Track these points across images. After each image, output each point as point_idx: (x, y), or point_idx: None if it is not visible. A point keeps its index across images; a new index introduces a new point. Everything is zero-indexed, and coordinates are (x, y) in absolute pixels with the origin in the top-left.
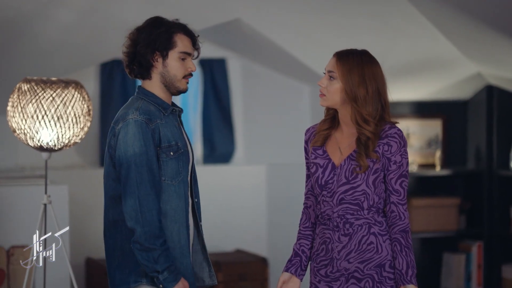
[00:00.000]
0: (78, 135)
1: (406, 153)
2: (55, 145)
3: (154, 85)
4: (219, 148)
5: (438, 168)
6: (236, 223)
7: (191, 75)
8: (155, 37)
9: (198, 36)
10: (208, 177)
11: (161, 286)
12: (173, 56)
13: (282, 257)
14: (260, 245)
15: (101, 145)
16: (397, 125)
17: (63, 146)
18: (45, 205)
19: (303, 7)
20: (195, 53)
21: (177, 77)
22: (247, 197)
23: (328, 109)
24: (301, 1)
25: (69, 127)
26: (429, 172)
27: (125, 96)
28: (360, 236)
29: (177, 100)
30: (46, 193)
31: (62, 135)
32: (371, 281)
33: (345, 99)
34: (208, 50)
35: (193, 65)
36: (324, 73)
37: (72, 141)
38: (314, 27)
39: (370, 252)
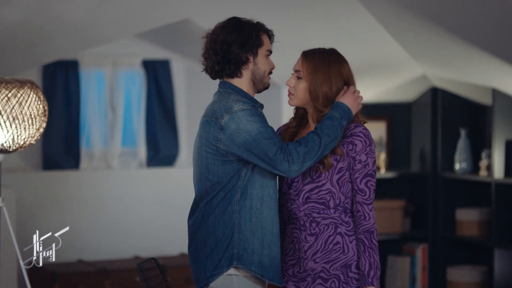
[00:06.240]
0: (34, 136)
1: (372, 152)
2: (10, 147)
3: (243, 82)
4: (163, 151)
5: (382, 171)
6: (181, 226)
7: (271, 72)
8: (247, 37)
9: (274, 36)
10: (152, 180)
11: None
12: (261, 53)
13: None
14: None
15: (44, 147)
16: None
17: (18, 147)
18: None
19: (253, 9)
20: None
21: (265, 73)
22: (191, 200)
23: (298, 108)
24: (252, 3)
25: (25, 128)
26: None
27: (68, 98)
28: (326, 236)
29: (120, 100)
30: (0, 195)
31: (18, 136)
32: (337, 281)
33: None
34: (151, 51)
35: (272, 62)
36: (292, 73)
37: (27, 143)
38: None
39: (336, 252)
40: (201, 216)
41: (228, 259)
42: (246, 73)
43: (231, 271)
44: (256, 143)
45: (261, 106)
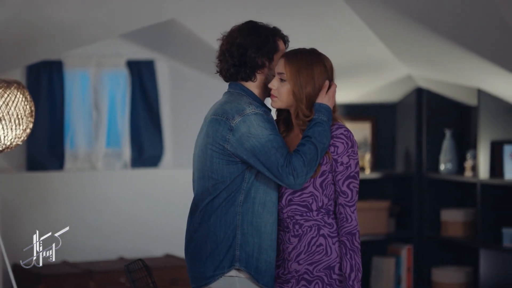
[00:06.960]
0: (21, 137)
1: (355, 154)
2: None
3: (255, 86)
4: (147, 151)
5: (367, 171)
6: (165, 227)
7: None
8: (264, 41)
9: (289, 42)
10: (137, 181)
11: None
12: (277, 59)
13: None
14: None
15: (28, 148)
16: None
17: (5, 148)
18: None
19: (240, 9)
20: None
21: None
22: (176, 201)
23: (280, 111)
24: (238, 3)
25: (11, 129)
26: None
27: (52, 98)
28: (309, 238)
29: (105, 101)
30: None
31: (4, 137)
32: (320, 283)
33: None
34: (136, 52)
35: None
36: (274, 75)
37: (14, 143)
38: None
39: (319, 254)
40: (201, 215)
41: (229, 260)
42: (260, 78)
43: (233, 272)
44: (264, 150)
45: (270, 110)
